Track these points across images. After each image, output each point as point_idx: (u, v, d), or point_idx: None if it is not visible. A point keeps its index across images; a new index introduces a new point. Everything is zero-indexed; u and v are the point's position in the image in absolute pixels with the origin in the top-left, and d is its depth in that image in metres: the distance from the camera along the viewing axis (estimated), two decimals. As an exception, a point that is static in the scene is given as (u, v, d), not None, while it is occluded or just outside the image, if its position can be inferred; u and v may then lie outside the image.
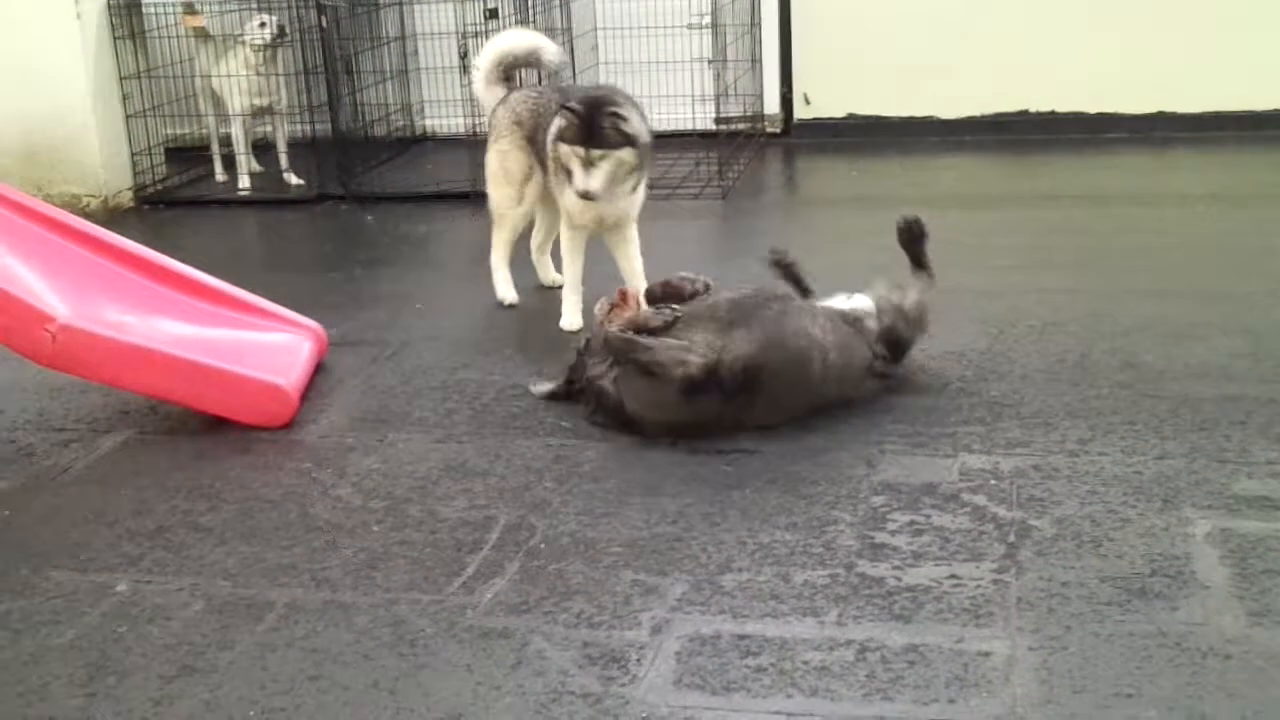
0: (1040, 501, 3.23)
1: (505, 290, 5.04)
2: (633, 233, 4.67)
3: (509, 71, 5.01)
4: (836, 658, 2.64)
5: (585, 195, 4.34)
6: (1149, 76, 7.13)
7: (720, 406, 3.60)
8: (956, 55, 7.25)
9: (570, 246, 4.66)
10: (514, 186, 4.92)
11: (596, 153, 4.30)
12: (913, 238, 4.13)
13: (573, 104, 4.34)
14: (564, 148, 4.36)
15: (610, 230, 4.64)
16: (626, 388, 3.67)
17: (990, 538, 3.07)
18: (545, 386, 4.01)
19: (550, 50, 5.01)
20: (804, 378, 3.67)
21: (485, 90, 5.02)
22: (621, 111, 4.33)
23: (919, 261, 4.12)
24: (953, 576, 2.91)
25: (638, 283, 4.61)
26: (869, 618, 2.77)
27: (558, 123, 4.38)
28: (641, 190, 4.62)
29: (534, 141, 4.78)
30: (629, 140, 4.33)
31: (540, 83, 5.20)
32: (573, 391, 3.90)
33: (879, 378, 3.86)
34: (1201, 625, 2.68)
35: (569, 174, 4.42)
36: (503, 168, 4.93)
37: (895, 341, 3.89)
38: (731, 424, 3.65)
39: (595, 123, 4.29)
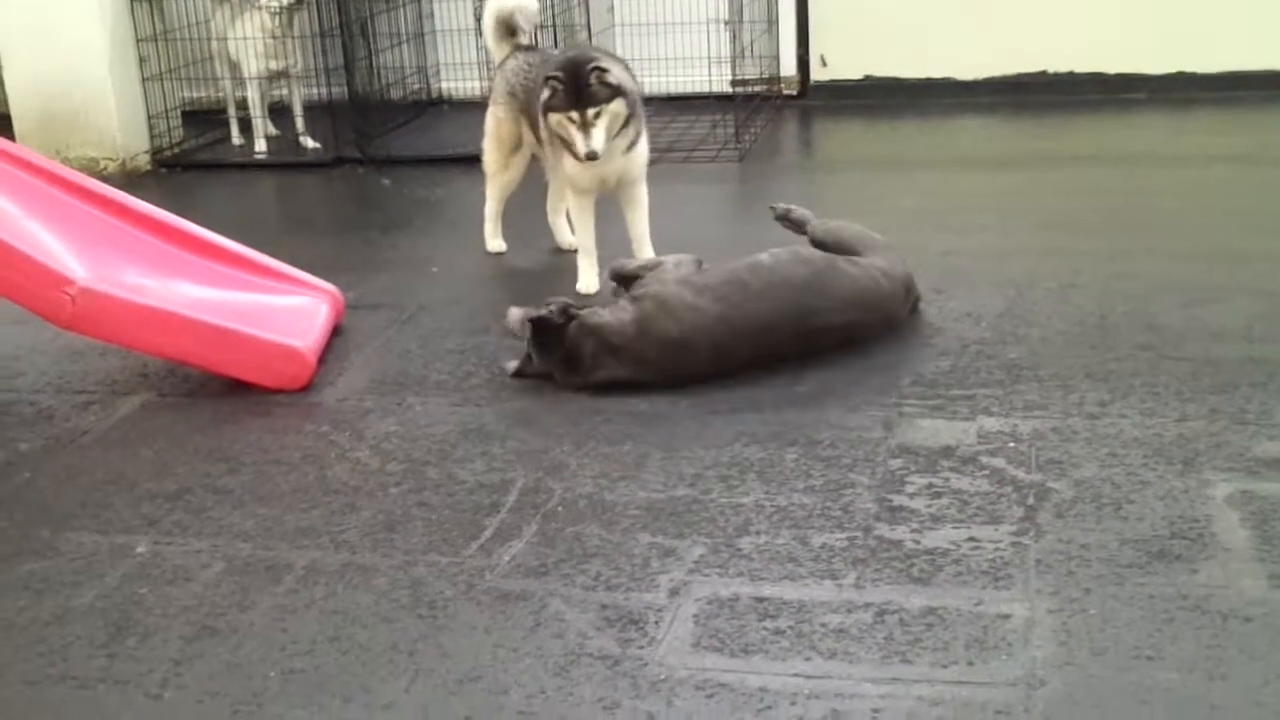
0: (1059, 464, 3.22)
1: (491, 240, 5.18)
2: (641, 194, 4.63)
3: (511, 29, 4.99)
4: (855, 620, 2.64)
5: (591, 156, 4.33)
6: (1169, 36, 7.05)
7: (717, 306, 3.79)
8: (974, 16, 7.19)
9: (578, 211, 4.65)
10: (503, 154, 5.01)
11: (590, 111, 4.29)
12: (793, 222, 4.35)
13: (554, 72, 4.33)
14: (555, 117, 4.35)
15: (618, 190, 4.62)
16: (650, 301, 3.80)
17: (1009, 500, 3.07)
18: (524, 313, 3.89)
19: (526, 13, 4.98)
20: (758, 264, 3.89)
21: (495, 47, 5.03)
22: (602, 64, 4.32)
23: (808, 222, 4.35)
24: (971, 539, 2.91)
25: (642, 247, 4.61)
26: (887, 580, 2.77)
27: (544, 95, 4.37)
28: (642, 147, 4.59)
29: (528, 114, 4.79)
30: (616, 91, 4.32)
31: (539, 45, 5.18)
32: (552, 325, 3.81)
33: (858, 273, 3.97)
34: (1222, 587, 2.67)
35: (565, 143, 4.41)
36: (497, 133, 4.99)
37: (819, 244, 4.15)
38: (729, 329, 3.77)
39: (581, 82, 4.29)
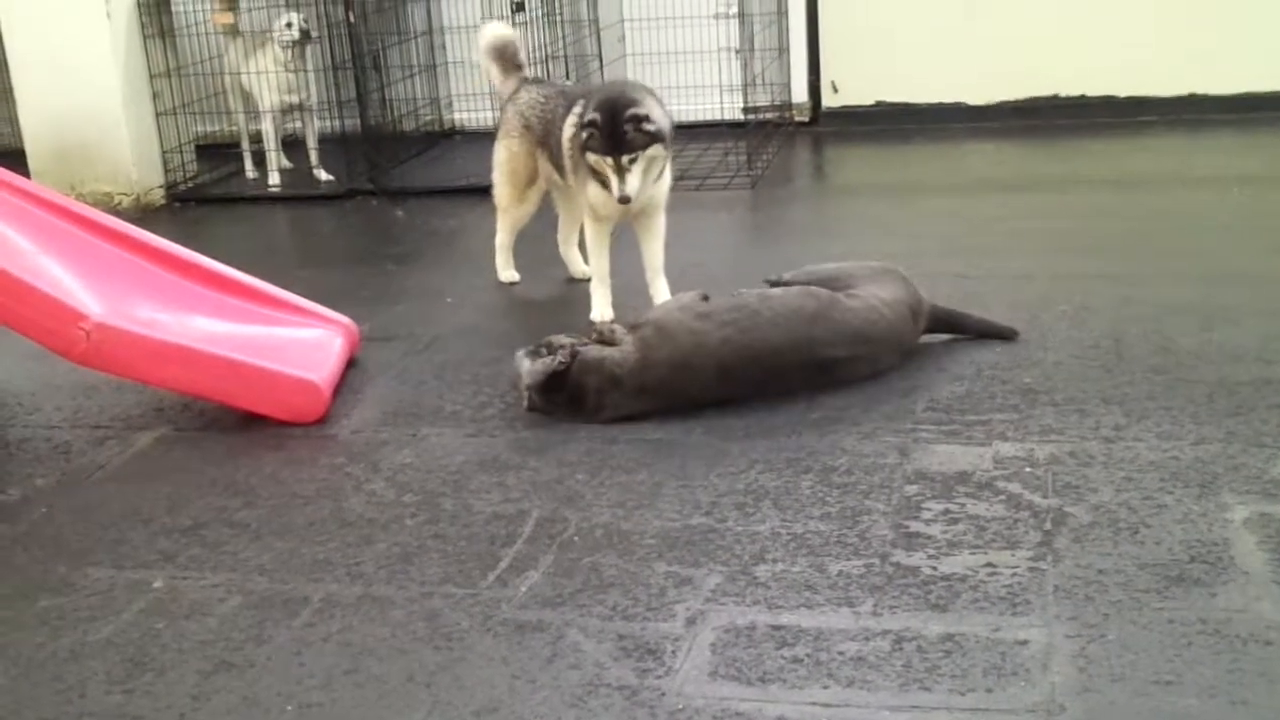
0: (1076, 488, 3.21)
1: (504, 271, 5.21)
2: (660, 223, 4.64)
3: (509, 60, 5.02)
4: (873, 648, 2.63)
5: (624, 201, 4.34)
6: (1180, 58, 7.07)
7: (723, 330, 3.81)
8: (985, 41, 7.22)
9: (595, 240, 4.66)
10: (518, 188, 5.02)
11: (626, 158, 4.30)
12: (779, 284, 4.32)
13: (592, 116, 4.32)
14: (593, 157, 4.36)
15: (638, 218, 4.62)
16: (650, 328, 3.85)
17: (1026, 525, 3.06)
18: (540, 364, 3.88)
19: (509, 39, 5.06)
20: (767, 294, 3.96)
21: (499, 80, 5.06)
22: (640, 111, 4.31)
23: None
24: (989, 565, 2.90)
25: (656, 276, 4.62)
26: (905, 607, 2.76)
27: (582, 135, 4.37)
28: (667, 176, 4.61)
29: (545, 146, 4.80)
30: (654, 138, 4.33)
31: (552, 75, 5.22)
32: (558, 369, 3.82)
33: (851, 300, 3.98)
34: (1241, 611, 2.65)
35: (594, 174, 4.41)
36: (510, 167, 5.00)
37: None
38: (735, 352, 3.79)
39: (618, 129, 4.29)
